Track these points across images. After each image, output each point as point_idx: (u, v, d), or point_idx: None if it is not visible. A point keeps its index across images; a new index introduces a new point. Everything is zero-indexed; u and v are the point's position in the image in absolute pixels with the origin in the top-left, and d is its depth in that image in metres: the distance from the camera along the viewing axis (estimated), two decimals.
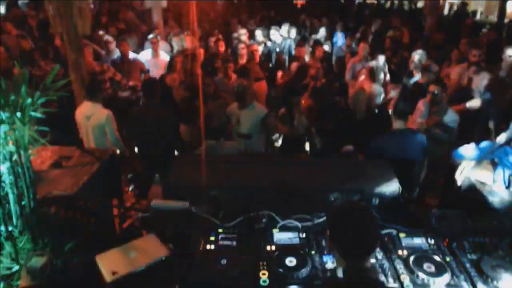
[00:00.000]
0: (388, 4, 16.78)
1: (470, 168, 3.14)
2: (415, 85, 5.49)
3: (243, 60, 6.57)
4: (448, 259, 2.07)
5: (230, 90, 5.23)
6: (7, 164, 1.85)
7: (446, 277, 1.94)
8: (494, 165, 3.08)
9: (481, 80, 5.00)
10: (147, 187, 4.53)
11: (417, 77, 5.66)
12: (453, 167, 3.25)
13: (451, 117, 4.37)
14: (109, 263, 1.89)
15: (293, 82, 5.73)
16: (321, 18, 10.86)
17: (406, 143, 3.66)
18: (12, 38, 7.22)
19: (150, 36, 7.19)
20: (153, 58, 6.99)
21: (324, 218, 2.31)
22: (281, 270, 1.96)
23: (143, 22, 9.93)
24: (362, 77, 5.86)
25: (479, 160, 3.18)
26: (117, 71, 6.14)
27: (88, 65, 5.69)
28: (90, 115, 4.31)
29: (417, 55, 5.92)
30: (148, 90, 4.48)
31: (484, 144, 3.40)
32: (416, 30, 9.45)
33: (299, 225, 2.32)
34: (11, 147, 1.82)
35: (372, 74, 5.65)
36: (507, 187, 2.91)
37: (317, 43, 7.79)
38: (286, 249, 2.11)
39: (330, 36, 9.42)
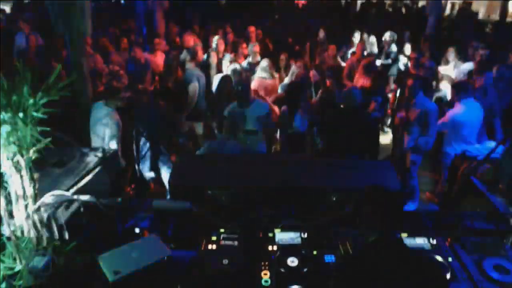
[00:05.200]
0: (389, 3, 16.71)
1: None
2: None
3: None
4: (450, 259, 2.07)
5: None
6: (10, 164, 1.86)
7: (448, 277, 1.93)
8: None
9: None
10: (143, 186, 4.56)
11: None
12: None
13: None
14: (111, 263, 1.90)
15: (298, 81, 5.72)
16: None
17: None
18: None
19: None
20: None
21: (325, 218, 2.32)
22: (283, 270, 1.95)
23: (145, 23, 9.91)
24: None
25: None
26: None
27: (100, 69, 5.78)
28: None
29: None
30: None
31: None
32: (417, 29, 9.42)
33: (301, 224, 2.32)
34: (13, 147, 1.83)
35: (367, 70, 5.66)
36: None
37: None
38: (288, 249, 2.11)
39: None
